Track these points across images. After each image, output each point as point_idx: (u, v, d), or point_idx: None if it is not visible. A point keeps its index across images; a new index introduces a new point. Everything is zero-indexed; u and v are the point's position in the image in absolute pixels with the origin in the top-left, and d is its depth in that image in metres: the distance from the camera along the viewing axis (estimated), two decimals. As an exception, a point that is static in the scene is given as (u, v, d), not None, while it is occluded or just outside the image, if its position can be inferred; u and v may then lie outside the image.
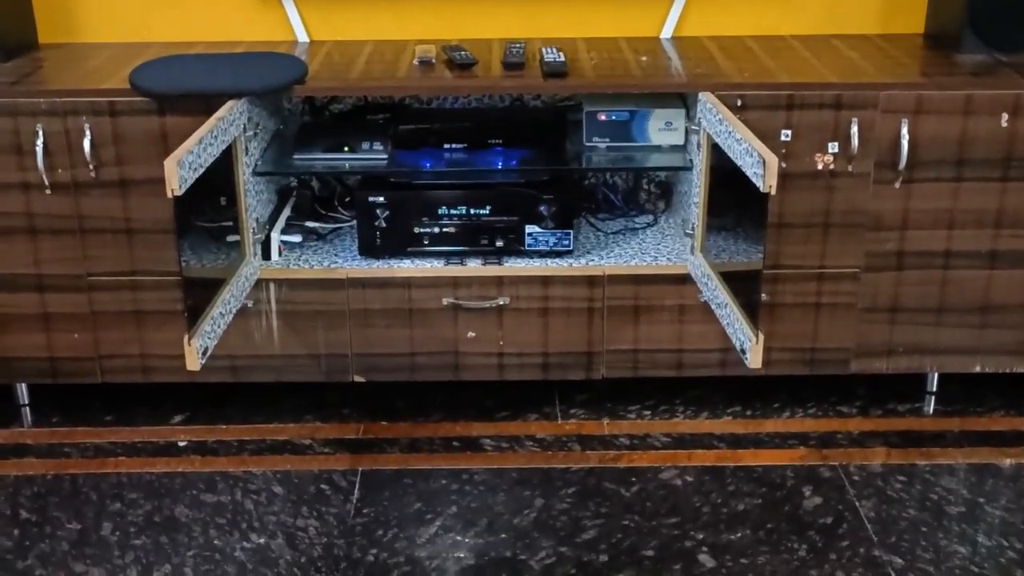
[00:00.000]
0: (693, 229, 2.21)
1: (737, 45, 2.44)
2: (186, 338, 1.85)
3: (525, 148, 2.30)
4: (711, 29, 2.52)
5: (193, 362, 1.86)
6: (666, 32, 2.51)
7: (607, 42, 2.47)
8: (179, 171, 1.78)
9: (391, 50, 2.41)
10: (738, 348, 1.93)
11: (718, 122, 1.99)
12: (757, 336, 1.85)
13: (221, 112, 2.02)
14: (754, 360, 1.86)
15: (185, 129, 2.10)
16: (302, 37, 2.50)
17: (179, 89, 2.12)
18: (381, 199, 2.26)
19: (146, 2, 2.47)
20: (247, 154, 2.16)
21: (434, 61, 2.28)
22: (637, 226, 2.47)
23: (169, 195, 1.78)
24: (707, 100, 2.08)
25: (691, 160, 2.23)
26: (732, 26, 2.52)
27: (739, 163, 1.88)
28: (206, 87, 2.12)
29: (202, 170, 1.89)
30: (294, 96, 2.16)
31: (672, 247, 2.36)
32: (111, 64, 2.31)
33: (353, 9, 2.49)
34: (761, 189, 1.77)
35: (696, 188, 2.18)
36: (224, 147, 2.02)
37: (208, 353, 1.92)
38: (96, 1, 2.47)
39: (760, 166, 1.76)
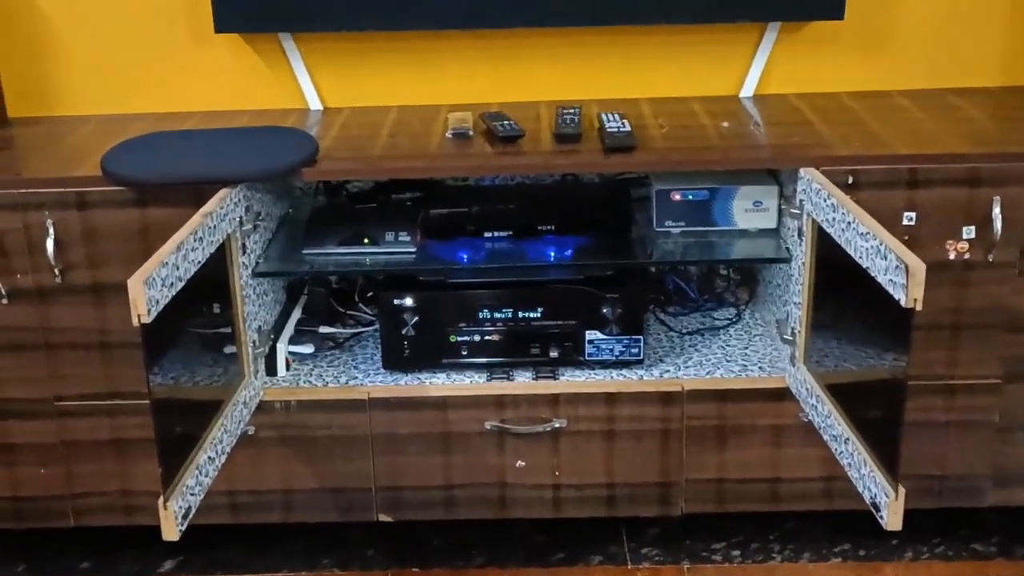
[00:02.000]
0: (793, 335, 1.79)
1: (833, 105, 2.03)
2: (160, 500, 1.45)
3: (582, 235, 1.90)
4: (799, 85, 2.11)
5: (170, 530, 1.46)
6: (746, 90, 2.11)
7: (676, 104, 2.07)
8: (148, 291, 1.38)
9: (419, 118, 2.02)
10: (868, 502, 1.51)
11: (830, 208, 1.58)
12: (897, 490, 1.43)
13: (209, 206, 1.63)
14: (892, 520, 1.44)
15: (171, 222, 1.72)
16: (315, 104, 2.12)
17: (161, 177, 1.73)
18: (409, 302, 1.86)
19: (134, 68, 2.10)
20: (245, 253, 1.77)
21: (471, 133, 1.88)
22: (717, 323, 2.06)
23: (136, 322, 1.39)
24: (812, 178, 1.67)
25: (788, 249, 1.81)
26: (824, 81, 2.11)
27: (865, 264, 1.46)
28: (193, 174, 1.73)
29: (183, 283, 1.50)
30: (303, 179, 1.77)
31: (763, 351, 1.94)
32: (90, 142, 1.93)
33: (373, 71, 2.11)
34: (903, 304, 1.35)
35: (798, 285, 1.76)
36: (214, 248, 1.63)
37: (191, 515, 1.52)
38: (75, 68, 2.10)
39: (901, 273, 1.35)
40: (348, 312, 2.09)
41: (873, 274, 1.44)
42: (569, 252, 1.87)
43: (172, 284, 1.46)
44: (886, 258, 1.39)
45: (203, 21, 2.02)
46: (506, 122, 1.89)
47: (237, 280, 1.75)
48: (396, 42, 2.08)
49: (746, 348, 1.96)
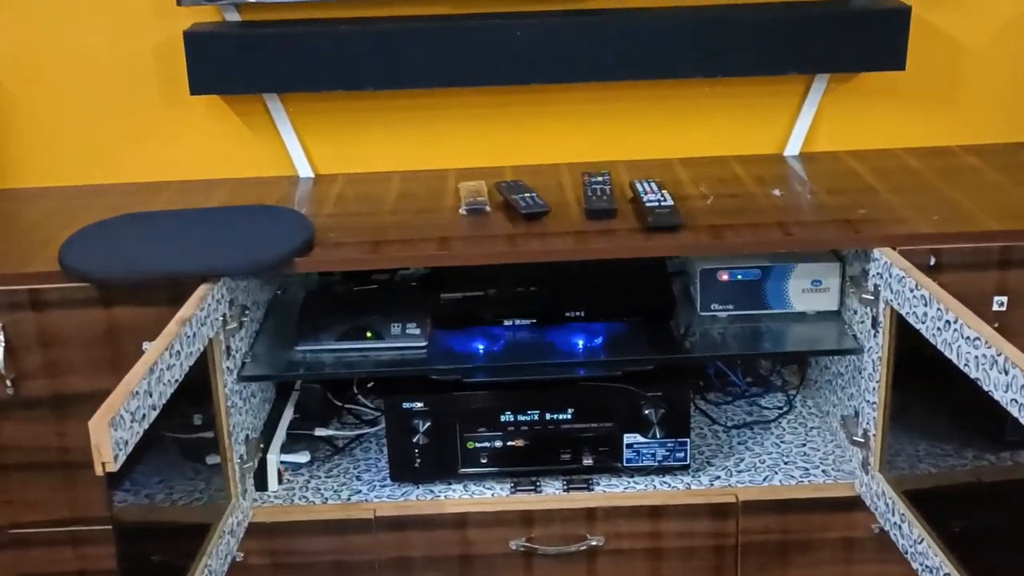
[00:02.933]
0: (866, 436, 1.55)
1: (894, 165, 1.80)
2: None
3: (616, 321, 1.66)
4: (850, 141, 1.88)
5: None
6: (792, 147, 1.87)
7: (715, 165, 1.83)
8: (114, 433, 1.13)
9: (425, 187, 1.78)
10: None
11: (919, 300, 1.34)
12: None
13: (187, 309, 1.38)
14: None
15: (141, 323, 1.48)
16: (304, 171, 1.87)
17: (129, 272, 1.48)
18: (419, 405, 1.61)
19: (98, 133, 1.85)
20: (229, 356, 1.52)
21: (488, 208, 1.64)
22: (766, 413, 1.82)
23: (99, 471, 1.14)
24: (890, 261, 1.43)
25: (856, 337, 1.57)
26: (878, 135, 1.88)
27: (974, 375, 1.22)
28: (166, 269, 1.48)
29: (157, 412, 1.25)
30: (296, 271, 1.52)
31: (824, 449, 1.70)
32: (47, 224, 1.68)
33: (369, 133, 1.87)
34: (1034, 433, 1.12)
35: (872, 381, 1.53)
36: (195, 359, 1.38)
37: None
38: (31, 133, 1.85)
39: (1031, 396, 1.11)
40: (347, 407, 1.84)
41: (986, 388, 1.20)
42: (601, 342, 1.63)
43: (145, 416, 1.21)
44: (1007, 372, 1.15)
45: (177, 81, 1.77)
46: (527, 195, 1.65)
47: (221, 388, 1.50)
48: (395, 100, 1.84)
49: (804, 445, 1.72)
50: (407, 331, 1.63)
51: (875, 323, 1.50)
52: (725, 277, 1.64)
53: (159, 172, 1.86)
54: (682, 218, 1.55)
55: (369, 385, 1.85)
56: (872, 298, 1.50)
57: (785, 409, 1.82)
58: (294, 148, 1.86)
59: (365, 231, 1.59)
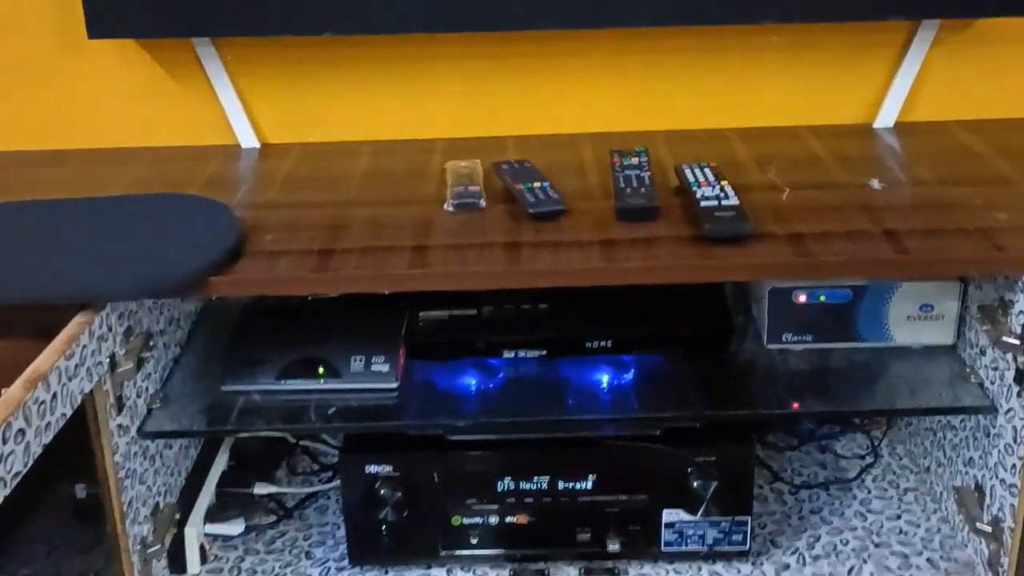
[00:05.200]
0: (997, 527, 1.13)
1: (1024, 142, 1.36)
2: None
3: (654, 352, 1.24)
4: (966, 108, 1.44)
5: None
6: (885, 118, 1.43)
7: (784, 138, 1.39)
8: None
9: (403, 164, 1.35)
10: None
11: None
12: None
13: (42, 362, 0.95)
14: None
15: (7, 359, 1.06)
16: (247, 141, 1.44)
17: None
18: (388, 468, 1.20)
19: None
20: (122, 410, 1.10)
21: (483, 203, 1.21)
22: (845, 466, 1.40)
23: None
24: (1053, 297, 1.01)
25: (984, 388, 1.15)
26: (1002, 102, 1.43)
27: None
28: (23, 292, 1.04)
29: (8, 490, 0.84)
30: (214, 293, 1.09)
31: (926, 524, 1.28)
32: None
33: (333, 91, 1.43)
34: None
35: (1013, 457, 1.10)
36: (62, 423, 0.96)
37: None
38: None
39: None
40: (302, 444, 1.43)
41: None
42: (633, 381, 1.21)
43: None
44: None
45: (77, 19, 1.33)
46: (537, 184, 1.21)
47: (108, 455, 1.09)
48: (366, 48, 1.40)
49: (898, 518, 1.30)
50: (372, 366, 1.21)
51: (1021, 377, 1.07)
52: (803, 299, 1.21)
53: (54, 138, 1.43)
54: (751, 224, 1.11)
55: (331, 411, 1.44)
56: (1018, 343, 1.07)
57: (869, 460, 1.40)
58: (233, 109, 1.42)
59: (315, 232, 1.15)
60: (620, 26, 1.34)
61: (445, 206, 1.20)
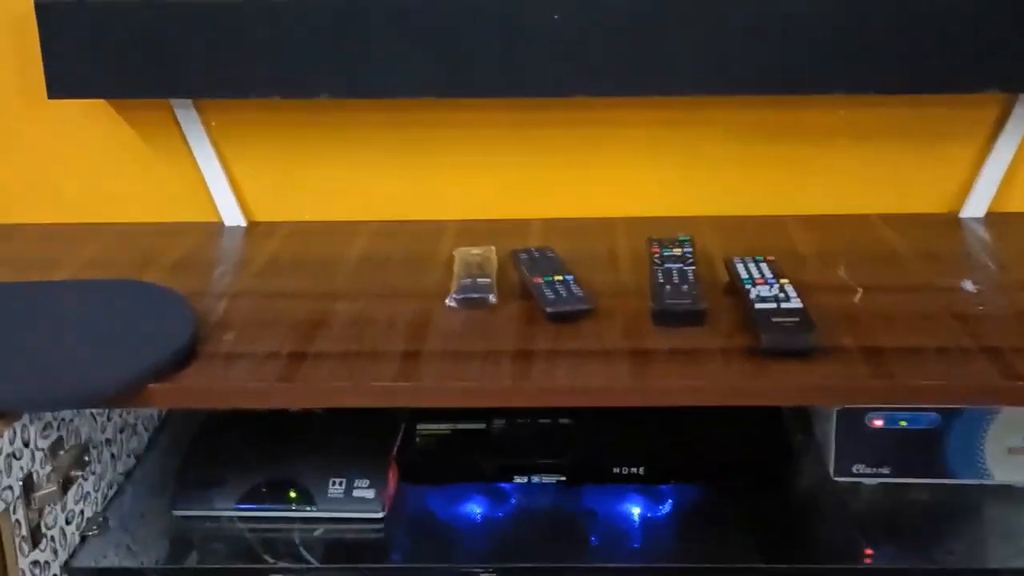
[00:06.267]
0: None
1: None
2: None
3: (695, 482, 1.03)
4: (1061, 197, 1.23)
5: None
6: (975, 206, 1.21)
7: (852, 227, 1.19)
8: None
9: (406, 248, 1.15)
10: None
11: None
12: None
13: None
14: None
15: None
16: (232, 218, 1.25)
17: None
18: (368, 622, 0.99)
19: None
20: (39, 544, 0.90)
21: (492, 298, 1.00)
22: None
23: None
24: None
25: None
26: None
27: None
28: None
29: None
30: (152, 406, 0.89)
31: None
32: None
33: (328, 165, 1.24)
34: None
35: None
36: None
37: None
38: None
39: None
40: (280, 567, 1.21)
41: None
42: (670, 518, 1.00)
43: None
44: None
45: (36, 79, 1.16)
46: (559, 278, 1.01)
47: (20, 601, 0.88)
48: (367, 115, 1.22)
49: None
50: (355, 492, 1.00)
51: None
52: (879, 423, 1.00)
53: (6, 211, 1.25)
54: (818, 335, 0.90)
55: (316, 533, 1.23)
56: None
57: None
58: (216, 181, 1.24)
59: (286, 331, 0.96)
60: (661, 94, 1.14)
61: (447, 301, 1.00)
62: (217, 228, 1.24)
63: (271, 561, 0.96)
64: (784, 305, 0.93)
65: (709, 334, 0.93)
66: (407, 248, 1.16)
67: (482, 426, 1.07)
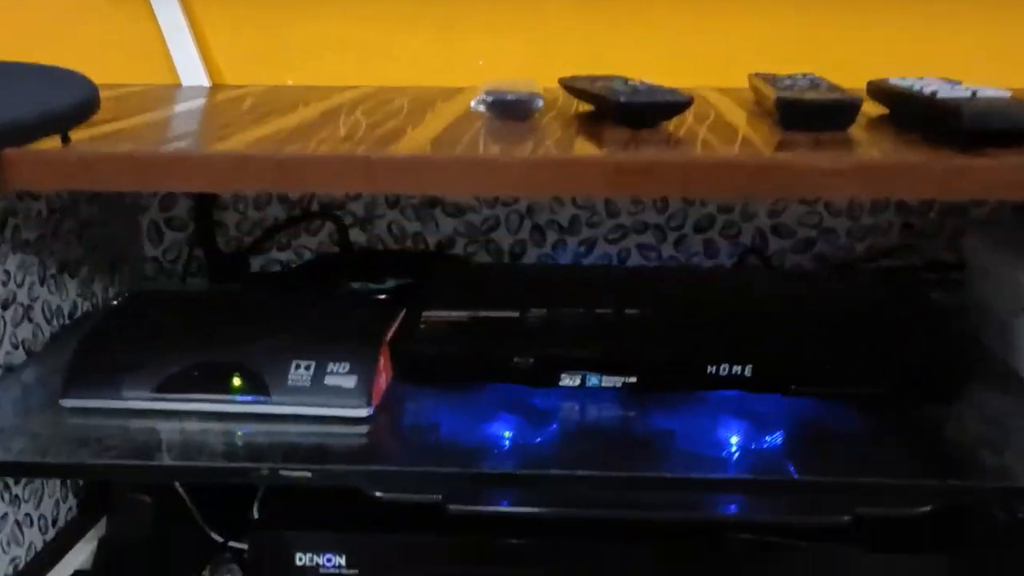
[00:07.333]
0: None
1: None
2: None
3: (828, 393, 0.70)
4: None
5: None
6: None
7: None
8: None
9: (415, 102, 0.85)
10: None
11: None
12: None
13: None
14: None
15: None
16: (193, 77, 0.96)
17: None
18: (339, 562, 0.66)
19: None
20: None
21: (538, 102, 0.70)
22: None
23: None
24: None
25: None
26: None
27: None
28: None
29: None
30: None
31: None
32: None
33: (318, 17, 0.95)
34: None
35: None
36: None
37: None
38: None
39: None
40: (230, 540, 0.88)
41: None
42: (790, 441, 0.67)
43: None
44: None
45: None
46: (627, 81, 0.71)
47: None
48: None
49: None
50: (327, 378, 0.68)
51: None
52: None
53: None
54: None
55: (239, 443, 0.89)
56: None
57: None
58: (176, 36, 0.94)
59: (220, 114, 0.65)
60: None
61: (473, 104, 0.69)
62: (174, 90, 0.95)
63: (197, 457, 0.63)
64: (981, 94, 0.62)
65: (859, 130, 0.62)
66: (419, 99, 0.86)
67: (515, 314, 0.75)
